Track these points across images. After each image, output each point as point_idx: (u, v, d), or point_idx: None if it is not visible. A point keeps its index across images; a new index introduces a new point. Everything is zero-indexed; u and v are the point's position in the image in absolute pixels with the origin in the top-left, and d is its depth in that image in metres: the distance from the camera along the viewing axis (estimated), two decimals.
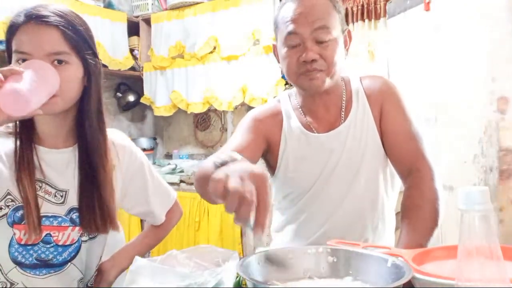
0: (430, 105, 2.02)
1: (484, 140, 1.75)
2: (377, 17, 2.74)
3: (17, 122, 0.97)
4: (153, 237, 1.21)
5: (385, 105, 1.14)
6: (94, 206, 0.99)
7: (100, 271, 1.08)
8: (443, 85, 1.95)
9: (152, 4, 3.42)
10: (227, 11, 3.10)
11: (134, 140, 3.34)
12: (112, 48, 3.21)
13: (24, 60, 0.88)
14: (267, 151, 1.20)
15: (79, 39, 0.94)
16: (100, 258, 1.09)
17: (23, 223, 0.95)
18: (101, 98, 1.01)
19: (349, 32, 1.16)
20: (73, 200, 1.01)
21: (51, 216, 0.99)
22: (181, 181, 2.96)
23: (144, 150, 3.00)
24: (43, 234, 0.97)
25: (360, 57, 2.77)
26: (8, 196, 0.95)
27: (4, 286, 0.97)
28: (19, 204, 0.95)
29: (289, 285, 0.74)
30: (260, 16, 2.94)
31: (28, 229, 0.94)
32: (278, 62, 1.16)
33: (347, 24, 2.79)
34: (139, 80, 3.50)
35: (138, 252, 1.08)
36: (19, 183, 0.94)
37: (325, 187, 1.14)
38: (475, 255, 0.49)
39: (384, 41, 2.62)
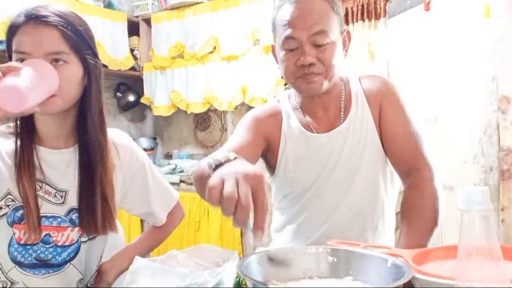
0: (430, 105, 2.02)
1: (484, 140, 1.76)
2: (377, 17, 2.74)
3: (18, 122, 0.97)
4: (154, 238, 1.21)
5: (384, 105, 1.14)
6: (94, 207, 0.99)
7: (99, 272, 1.07)
8: (443, 85, 1.95)
9: (152, 4, 3.42)
10: (227, 11, 3.10)
11: (134, 140, 3.33)
12: (112, 48, 3.21)
13: (23, 60, 0.89)
14: (267, 151, 1.20)
15: (78, 39, 0.94)
16: (100, 258, 1.09)
17: (23, 223, 0.95)
18: (101, 98, 1.01)
19: (348, 32, 1.16)
20: (73, 200, 1.01)
21: (51, 217, 0.99)
22: (181, 181, 2.96)
23: (144, 150, 2.99)
24: (43, 234, 0.97)
25: (360, 57, 2.77)
26: (8, 196, 0.95)
27: (4, 286, 0.97)
28: (19, 204, 0.95)
29: (289, 285, 0.74)
30: (260, 16, 2.94)
31: (27, 229, 0.94)
32: (277, 62, 1.16)
33: (347, 24, 2.79)
34: (139, 80, 3.50)
35: (139, 253, 1.08)
36: (19, 183, 0.94)
37: (324, 187, 1.14)
38: (475, 255, 0.49)
39: (384, 41, 2.62)
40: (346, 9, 2.78)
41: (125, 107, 3.56)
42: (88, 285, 1.08)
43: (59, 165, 1.01)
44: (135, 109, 3.66)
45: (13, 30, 0.91)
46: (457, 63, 1.88)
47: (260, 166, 0.71)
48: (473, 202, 0.50)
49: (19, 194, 0.94)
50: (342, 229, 1.13)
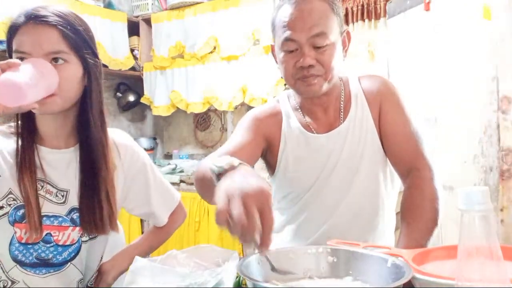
0: (430, 105, 2.02)
1: (484, 140, 1.76)
2: (377, 17, 2.74)
3: (19, 122, 0.98)
4: (155, 239, 1.21)
5: (384, 105, 1.14)
6: (95, 207, 1.00)
7: (100, 272, 1.08)
8: (443, 85, 1.95)
9: (152, 4, 3.42)
10: (227, 11, 3.10)
11: (134, 140, 3.33)
12: (112, 48, 3.21)
13: (23, 59, 0.89)
14: (267, 151, 1.20)
15: (78, 38, 0.94)
16: (101, 258, 1.09)
17: (24, 222, 0.95)
18: (102, 98, 1.01)
19: (348, 33, 1.16)
20: (74, 200, 1.01)
21: (52, 216, 0.99)
22: (181, 181, 2.96)
23: (144, 150, 2.99)
24: (44, 234, 0.98)
25: (360, 57, 2.77)
26: (10, 195, 0.96)
27: (5, 285, 0.97)
28: (21, 203, 0.96)
29: (289, 285, 0.74)
30: (260, 16, 2.94)
31: (29, 228, 0.94)
32: (277, 62, 1.16)
33: (347, 24, 2.79)
34: (139, 80, 3.50)
35: (140, 254, 1.07)
36: (20, 183, 0.95)
37: (324, 187, 1.14)
38: (475, 255, 0.49)
39: (384, 41, 2.62)
40: (346, 9, 2.78)
41: (125, 107, 3.56)
42: (88, 285, 1.08)
43: (60, 164, 1.01)
44: (135, 109, 3.66)
45: (13, 30, 0.92)
46: (457, 63, 1.88)
47: (265, 180, 0.71)
48: (473, 202, 0.50)
49: (21, 193, 0.95)
50: (342, 229, 1.13)
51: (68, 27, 0.92)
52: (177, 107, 3.35)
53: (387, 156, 1.14)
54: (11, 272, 0.98)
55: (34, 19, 0.90)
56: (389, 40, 2.46)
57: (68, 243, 1.01)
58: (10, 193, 0.96)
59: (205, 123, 3.57)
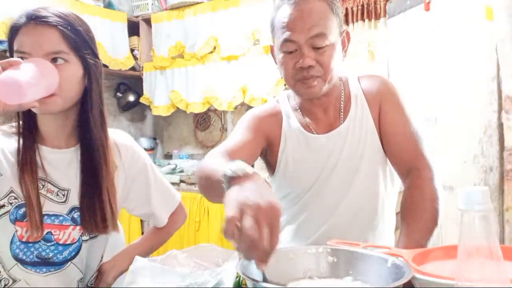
0: (430, 105, 2.02)
1: (484, 140, 1.76)
2: (377, 17, 2.74)
3: (20, 122, 0.98)
4: (156, 239, 1.21)
5: (384, 105, 1.14)
6: (95, 206, 1.00)
7: (100, 272, 1.08)
8: (443, 85, 1.95)
9: (152, 4, 3.42)
10: (227, 11, 3.10)
11: (134, 140, 3.33)
12: (112, 48, 3.22)
13: (23, 60, 0.89)
14: (267, 150, 1.20)
15: (78, 39, 0.94)
16: (101, 258, 1.09)
17: (25, 220, 0.96)
18: (102, 98, 1.02)
19: (347, 33, 1.15)
20: (74, 199, 1.01)
21: (53, 215, 0.99)
22: (181, 181, 2.97)
23: (144, 150, 2.99)
24: (44, 232, 0.98)
25: (360, 57, 2.77)
26: (11, 194, 0.96)
27: (6, 283, 0.98)
28: (22, 202, 0.96)
29: (289, 285, 0.74)
30: (260, 16, 2.94)
31: (30, 227, 0.95)
32: (276, 63, 1.15)
33: (347, 24, 2.79)
34: (139, 80, 3.50)
35: (140, 254, 1.07)
36: (21, 181, 0.95)
37: (324, 187, 1.14)
38: (475, 255, 0.49)
39: (384, 41, 2.62)
40: (346, 9, 2.78)
41: (125, 107, 3.56)
42: (89, 284, 1.08)
43: (61, 164, 1.01)
44: (135, 109, 3.66)
45: (14, 30, 0.92)
46: (457, 63, 1.88)
47: (274, 194, 0.68)
48: (473, 202, 0.50)
49: (22, 192, 0.95)
50: (342, 229, 1.13)
51: (69, 27, 0.93)
52: (177, 107, 3.35)
53: (387, 156, 1.14)
54: (12, 271, 0.98)
55: (34, 19, 0.91)
56: (389, 40, 2.46)
57: (68, 242, 1.01)
58: (12, 191, 0.96)
59: (205, 123, 3.57)
